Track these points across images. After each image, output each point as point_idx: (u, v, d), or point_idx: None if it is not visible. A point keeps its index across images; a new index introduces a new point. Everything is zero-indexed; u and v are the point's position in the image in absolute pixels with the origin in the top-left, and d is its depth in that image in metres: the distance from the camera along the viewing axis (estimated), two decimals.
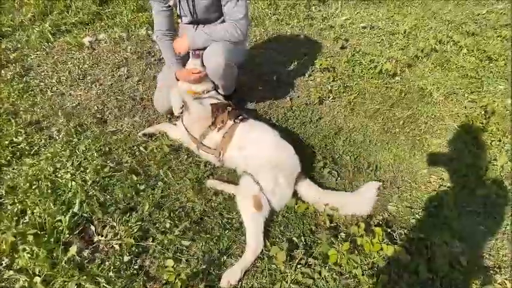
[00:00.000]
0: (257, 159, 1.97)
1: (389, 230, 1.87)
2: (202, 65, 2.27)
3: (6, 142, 2.27)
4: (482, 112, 2.74)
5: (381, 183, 2.09)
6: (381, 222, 1.91)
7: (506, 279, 1.71)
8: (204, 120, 2.18)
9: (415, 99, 2.91)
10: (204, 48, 2.25)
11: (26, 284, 1.52)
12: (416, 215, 2.01)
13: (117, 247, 1.71)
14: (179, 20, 2.41)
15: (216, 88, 2.41)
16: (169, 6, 2.27)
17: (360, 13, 4.34)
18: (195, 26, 2.37)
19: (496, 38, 3.83)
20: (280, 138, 2.10)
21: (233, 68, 2.35)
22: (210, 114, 2.16)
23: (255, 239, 1.72)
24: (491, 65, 3.38)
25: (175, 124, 2.40)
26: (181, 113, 2.27)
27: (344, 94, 2.89)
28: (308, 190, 1.98)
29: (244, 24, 2.18)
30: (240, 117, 2.15)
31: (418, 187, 2.20)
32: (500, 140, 2.49)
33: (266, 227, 1.80)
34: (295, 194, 1.98)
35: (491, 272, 1.76)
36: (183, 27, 2.42)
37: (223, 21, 2.32)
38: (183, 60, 2.36)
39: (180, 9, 2.28)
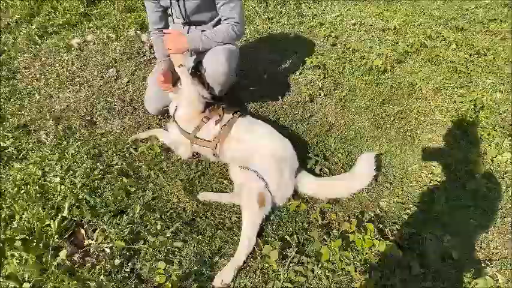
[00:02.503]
0: (261, 152, 1.96)
1: (381, 226, 1.88)
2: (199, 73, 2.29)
3: None
4: (472, 106, 2.76)
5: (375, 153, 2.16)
6: (372, 218, 1.92)
7: (497, 271, 1.73)
8: (196, 103, 2.18)
9: (405, 95, 2.93)
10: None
11: None
12: (408, 210, 2.02)
13: (108, 250, 1.69)
14: (171, 19, 2.39)
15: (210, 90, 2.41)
16: (162, 6, 2.26)
17: (350, 10, 4.34)
18: (188, 27, 2.36)
19: (484, 32, 3.87)
20: (278, 133, 2.12)
21: (233, 75, 2.37)
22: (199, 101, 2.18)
23: (248, 237, 1.72)
24: (479, 59, 3.40)
25: (166, 130, 2.38)
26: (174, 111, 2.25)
27: (335, 91, 2.89)
28: (307, 181, 2.00)
29: (241, 24, 2.21)
30: (238, 112, 2.16)
31: (409, 182, 2.21)
32: (489, 134, 2.51)
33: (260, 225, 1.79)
34: None
35: (483, 265, 1.77)
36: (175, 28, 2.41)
37: (217, 22, 2.32)
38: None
39: (171, 10, 2.27)
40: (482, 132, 2.54)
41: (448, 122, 2.66)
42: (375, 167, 2.06)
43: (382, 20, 4.10)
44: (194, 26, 2.34)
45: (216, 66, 2.19)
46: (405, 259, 1.72)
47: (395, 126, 2.61)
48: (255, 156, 1.94)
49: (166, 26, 2.39)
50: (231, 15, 2.15)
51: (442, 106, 2.81)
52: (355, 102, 2.81)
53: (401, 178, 2.23)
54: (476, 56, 3.45)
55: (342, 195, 2.03)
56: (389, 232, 1.86)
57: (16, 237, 1.65)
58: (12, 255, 1.59)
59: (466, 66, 3.29)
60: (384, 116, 2.70)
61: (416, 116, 2.71)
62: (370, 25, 3.95)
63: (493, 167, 2.31)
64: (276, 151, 1.98)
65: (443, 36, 3.72)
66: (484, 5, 4.58)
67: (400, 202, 2.06)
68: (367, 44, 3.55)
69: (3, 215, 1.80)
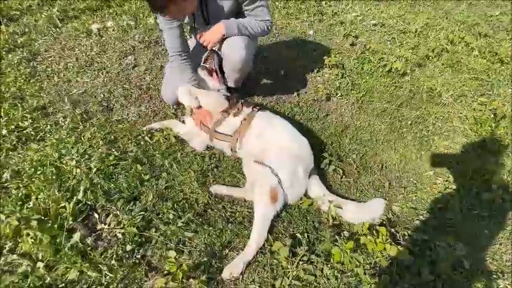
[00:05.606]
0: (278, 148, 1.95)
1: (393, 230, 1.87)
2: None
3: (12, 126, 2.27)
4: (492, 115, 2.70)
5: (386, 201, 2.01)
6: (384, 222, 1.90)
7: (508, 284, 1.71)
8: (216, 107, 2.18)
9: (423, 99, 2.88)
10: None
11: (29, 269, 1.52)
12: (421, 216, 2.00)
13: (120, 236, 1.71)
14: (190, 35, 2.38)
15: (225, 82, 2.40)
16: (180, 23, 2.18)
17: (371, 10, 4.28)
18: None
19: (508, 40, 3.77)
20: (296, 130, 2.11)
21: (250, 63, 2.35)
22: (221, 103, 2.17)
23: (259, 232, 1.72)
24: (502, 67, 3.32)
25: (182, 121, 2.39)
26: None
27: (352, 92, 2.86)
28: (315, 187, 1.97)
29: (271, 22, 2.24)
30: (257, 107, 2.16)
31: (423, 188, 2.19)
32: (508, 144, 2.46)
33: (271, 221, 1.79)
34: None
35: (494, 276, 1.75)
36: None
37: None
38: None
39: (194, 23, 2.27)
40: (501, 143, 2.49)
41: (467, 130, 2.61)
42: (382, 211, 1.89)
43: (403, 22, 4.03)
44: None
45: (234, 52, 2.18)
46: (416, 265, 1.70)
47: (412, 131, 2.58)
48: (271, 151, 1.93)
49: (186, 49, 2.27)
50: (264, 17, 2.19)
51: (461, 113, 2.76)
52: (372, 104, 2.78)
53: (415, 183, 2.21)
54: (499, 64, 3.37)
55: (344, 218, 1.92)
56: (401, 237, 1.84)
57: (32, 217, 1.68)
58: (28, 234, 1.62)
59: (488, 74, 3.22)
60: (401, 120, 2.66)
61: (434, 122, 2.67)
62: (391, 26, 3.89)
63: (510, 178, 2.27)
64: (293, 149, 1.97)
65: (465, 41, 3.64)
66: (510, 12, 4.46)
67: (413, 207, 2.04)
68: (387, 45, 3.50)
69: (19, 194, 1.83)
